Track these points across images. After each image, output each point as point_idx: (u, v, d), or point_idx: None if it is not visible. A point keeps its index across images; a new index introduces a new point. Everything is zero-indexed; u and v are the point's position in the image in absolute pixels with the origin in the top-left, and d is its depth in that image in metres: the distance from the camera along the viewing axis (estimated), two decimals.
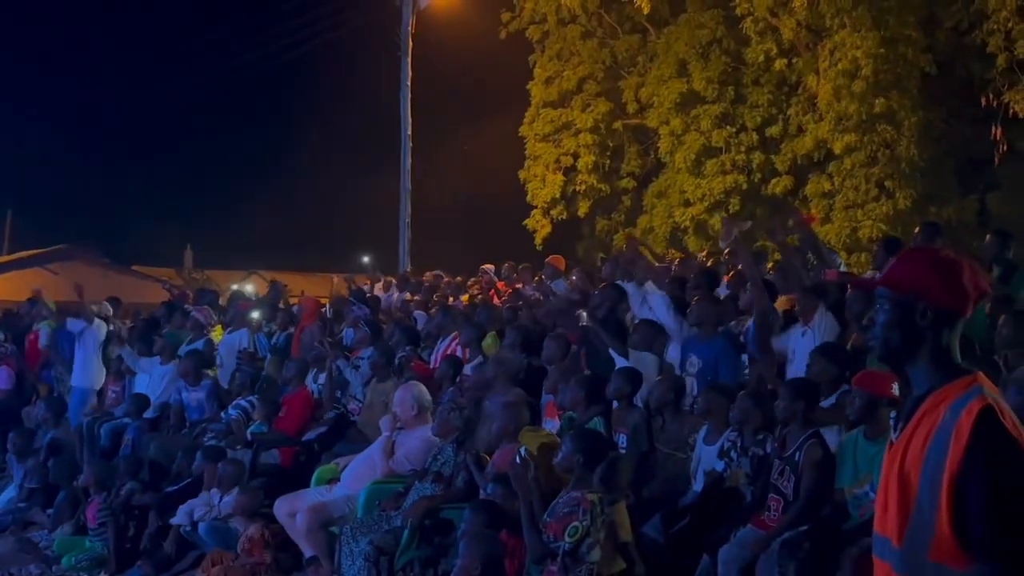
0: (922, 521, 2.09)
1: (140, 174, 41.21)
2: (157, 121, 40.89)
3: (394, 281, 13.47)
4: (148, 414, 8.77)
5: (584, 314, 7.31)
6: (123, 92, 41.72)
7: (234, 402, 8.09)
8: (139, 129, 41.04)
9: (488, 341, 8.03)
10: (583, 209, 19.85)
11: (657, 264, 10.44)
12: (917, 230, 7.49)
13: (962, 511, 2.03)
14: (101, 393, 10.21)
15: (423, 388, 6.51)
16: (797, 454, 4.63)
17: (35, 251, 26.07)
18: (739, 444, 5.05)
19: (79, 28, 46.40)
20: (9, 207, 31.36)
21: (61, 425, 8.92)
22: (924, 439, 2.10)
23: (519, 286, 11.00)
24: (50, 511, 7.90)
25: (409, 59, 18.97)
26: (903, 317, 2.22)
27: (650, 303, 6.96)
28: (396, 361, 7.79)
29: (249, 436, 7.55)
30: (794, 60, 15.52)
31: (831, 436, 4.87)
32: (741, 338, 6.59)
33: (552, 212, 19.86)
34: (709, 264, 9.39)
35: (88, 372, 10.08)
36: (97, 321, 10.19)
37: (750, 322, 6.58)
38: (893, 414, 2.40)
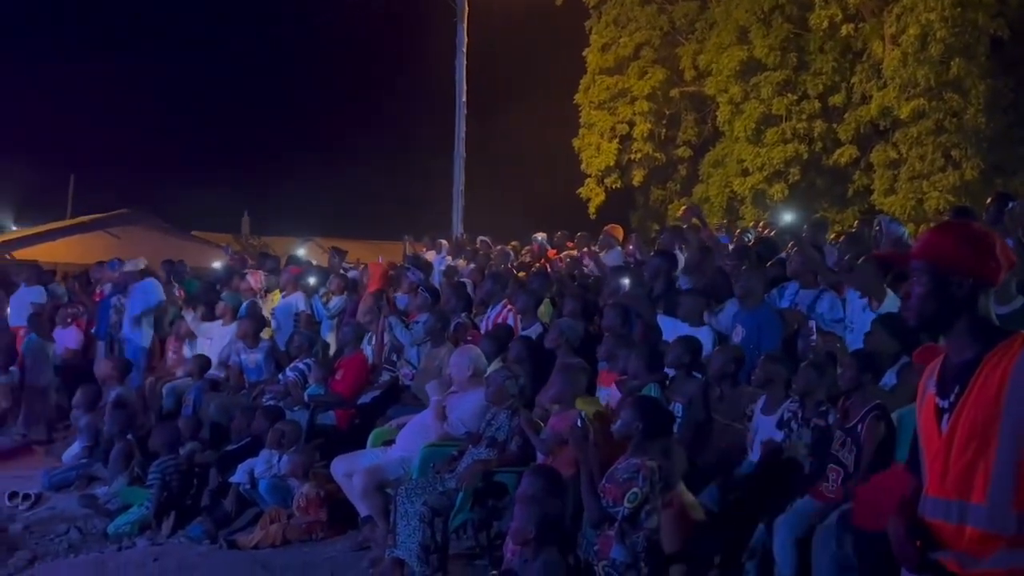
0: (1006, 473, 2.16)
1: (199, 140, 41.80)
2: (216, 88, 41.49)
3: (445, 244, 13.49)
4: (212, 372, 8.98)
5: (627, 282, 7.29)
6: (182, 59, 42.30)
7: (292, 364, 8.22)
8: (198, 96, 41.64)
9: (543, 308, 8.02)
10: (638, 178, 19.67)
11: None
12: (989, 200, 7.26)
13: None
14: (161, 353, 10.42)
15: (479, 352, 6.54)
16: (859, 426, 4.56)
17: (97, 215, 26.50)
18: (800, 415, 4.99)
19: None
20: (72, 172, 32.06)
21: (125, 383, 9.11)
22: (995, 397, 2.17)
23: (575, 254, 10.94)
24: None
25: (465, 25, 18.86)
26: (940, 288, 2.30)
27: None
28: (452, 327, 7.81)
29: (306, 398, 7.68)
30: (860, 26, 15.11)
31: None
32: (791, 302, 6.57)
33: (606, 181, 19.72)
34: (770, 234, 9.25)
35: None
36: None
37: (791, 284, 6.71)
38: (935, 380, 2.37)
